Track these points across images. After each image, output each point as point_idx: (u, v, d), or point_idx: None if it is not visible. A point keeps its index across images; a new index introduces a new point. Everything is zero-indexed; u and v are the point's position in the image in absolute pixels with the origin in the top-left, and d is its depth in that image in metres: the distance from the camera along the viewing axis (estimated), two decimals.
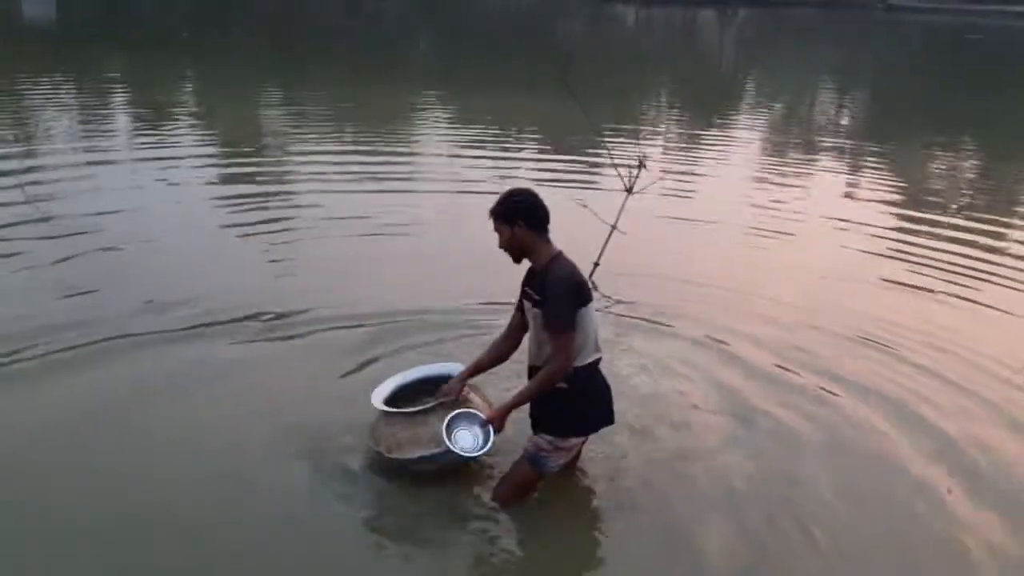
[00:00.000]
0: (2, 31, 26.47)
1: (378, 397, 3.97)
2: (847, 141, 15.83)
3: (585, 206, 7.12)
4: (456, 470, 3.98)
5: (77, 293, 6.02)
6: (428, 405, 3.86)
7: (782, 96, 22.93)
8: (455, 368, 4.07)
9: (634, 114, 16.35)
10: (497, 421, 3.65)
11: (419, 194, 9.50)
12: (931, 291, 7.11)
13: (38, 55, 21.18)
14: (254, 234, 7.64)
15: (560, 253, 3.56)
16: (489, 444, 3.65)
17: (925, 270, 7.61)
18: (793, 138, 16.03)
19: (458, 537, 3.71)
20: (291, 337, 5.55)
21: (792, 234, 8.65)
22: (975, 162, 14.71)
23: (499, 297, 5.63)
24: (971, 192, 11.95)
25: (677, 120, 17.77)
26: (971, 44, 42.76)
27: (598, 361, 3.61)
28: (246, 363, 5.17)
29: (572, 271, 3.50)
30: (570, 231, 7.13)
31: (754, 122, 17.79)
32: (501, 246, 3.58)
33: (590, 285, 6.21)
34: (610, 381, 4.90)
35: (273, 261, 7.00)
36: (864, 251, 8.13)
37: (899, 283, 7.29)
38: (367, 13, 44.59)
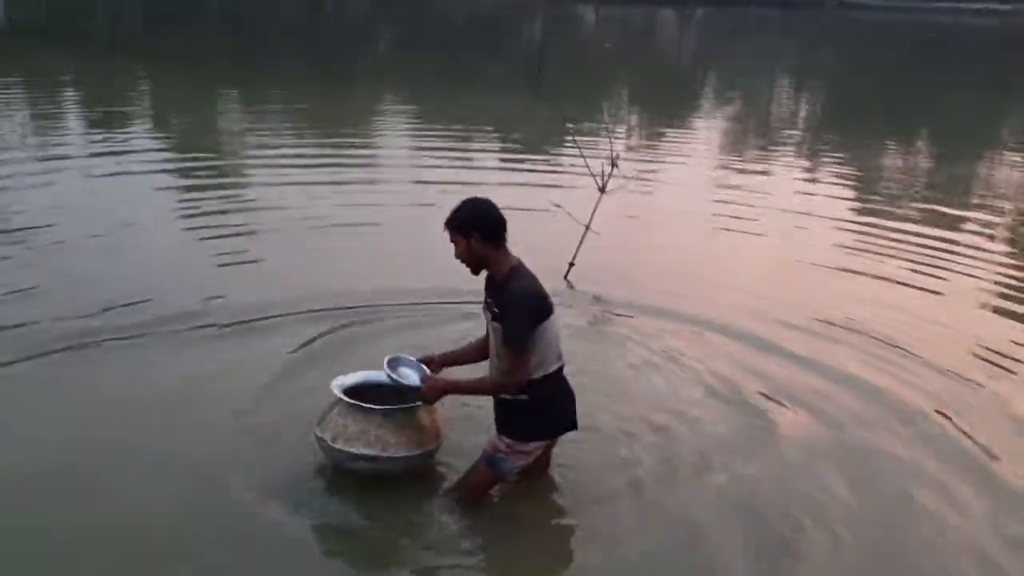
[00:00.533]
0: None
1: (338, 385, 3.86)
2: (806, 134, 16.05)
3: (559, 207, 7.05)
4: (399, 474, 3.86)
5: (21, 292, 5.83)
6: (387, 408, 3.75)
7: (741, 92, 23.17)
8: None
9: (602, 113, 16.39)
10: (431, 391, 3.61)
11: (381, 193, 9.40)
12: (896, 276, 7.27)
13: None
14: (209, 233, 7.50)
15: (519, 264, 3.49)
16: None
17: (890, 256, 7.81)
18: (754, 133, 16.22)
19: (418, 546, 3.61)
20: (243, 334, 5.44)
21: (757, 223, 8.81)
22: (929, 153, 14.99)
23: (464, 296, 5.56)
24: (927, 182, 12.18)
25: (643, 118, 17.83)
26: (925, 40, 43.55)
27: (560, 370, 3.59)
28: (196, 363, 5.03)
29: (531, 285, 3.43)
30: (544, 231, 7.30)
31: (716, 118, 17.96)
32: (457, 257, 3.50)
33: (567, 284, 6.34)
34: (596, 380, 4.95)
35: (228, 259, 6.85)
36: (843, 244, 8.26)
37: (862, 271, 7.42)
38: (327, 12, 44.23)
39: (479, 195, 3.56)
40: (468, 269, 3.53)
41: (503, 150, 12.55)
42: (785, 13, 60.70)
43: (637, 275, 6.79)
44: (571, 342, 5.52)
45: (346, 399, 3.77)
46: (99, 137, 11.91)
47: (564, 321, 5.72)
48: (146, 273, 6.40)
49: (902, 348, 5.72)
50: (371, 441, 3.68)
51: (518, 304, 3.37)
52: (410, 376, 3.75)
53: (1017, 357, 5.79)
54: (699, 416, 4.74)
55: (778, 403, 4.92)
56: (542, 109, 15.88)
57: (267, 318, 5.65)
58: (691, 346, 5.58)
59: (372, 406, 3.75)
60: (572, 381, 4.78)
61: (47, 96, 15.36)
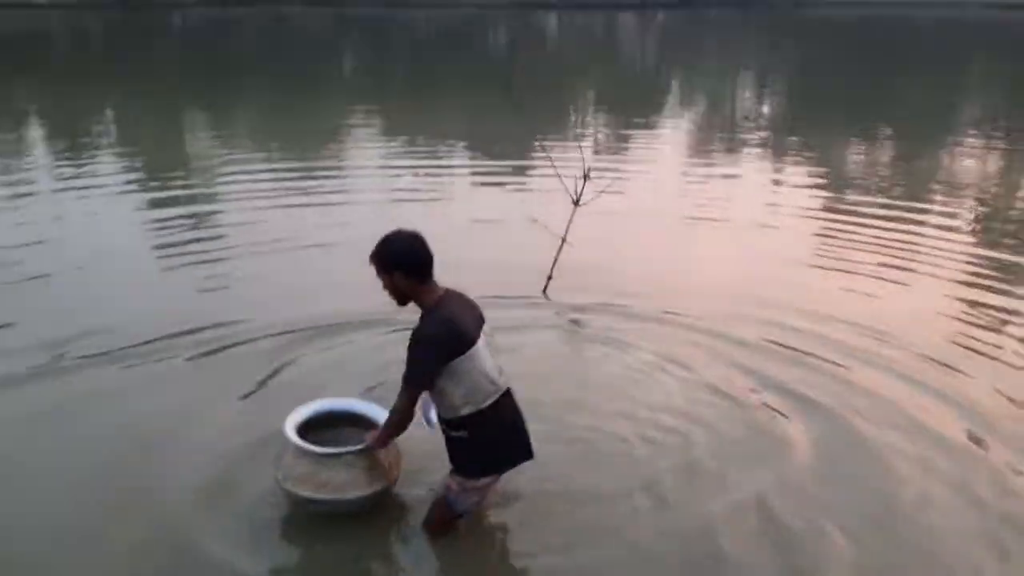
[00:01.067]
0: None
1: (292, 423, 3.81)
2: (770, 132, 16.28)
3: (535, 220, 7.07)
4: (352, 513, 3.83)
5: None
6: (336, 451, 3.71)
7: (705, 93, 23.40)
8: (376, 410, 3.94)
9: (570, 122, 16.51)
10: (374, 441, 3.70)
11: (352, 210, 9.32)
12: (868, 267, 7.44)
13: None
14: (180, 259, 7.48)
15: (444, 296, 3.42)
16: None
17: (861, 247, 8.00)
18: (720, 133, 16.42)
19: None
20: (205, 355, 5.46)
21: (730, 222, 8.97)
22: (888, 146, 15.27)
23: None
24: (888, 174, 12.41)
25: (611, 123, 17.95)
26: (878, 36, 44.23)
27: (499, 402, 3.46)
28: (147, 389, 5.03)
29: (442, 323, 3.32)
30: (519, 245, 7.36)
31: (683, 120, 18.14)
32: (385, 290, 3.45)
33: (545, 298, 6.37)
34: (584, 392, 5.03)
35: (198, 284, 6.85)
36: (817, 238, 8.47)
37: (838, 265, 7.59)
38: (291, 29, 44.10)
39: (404, 228, 3.46)
40: (395, 303, 3.48)
41: (475, 163, 12.58)
42: (743, 14, 61.49)
43: (616, 284, 6.83)
44: (552, 355, 5.71)
45: (297, 441, 3.71)
46: (65, 166, 11.82)
47: (544, 336, 5.95)
48: (115, 301, 6.41)
49: (880, 334, 5.89)
50: (322, 483, 3.65)
51: (414, 342, 3.31)
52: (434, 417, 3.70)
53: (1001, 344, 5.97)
54: (697, 421, 4.78)
55: (777, 401, 5.01)
56: (513, 120, 16.02)
57: (225, 337, 5.69)
58: (679, 350, 5.63)
59: (321, 450, 3.69)
60: (558, 395, 4.97)
61: (9, 126, 15.21)
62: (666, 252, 8.01)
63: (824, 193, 10.78)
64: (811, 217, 9.36)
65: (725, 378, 5.27)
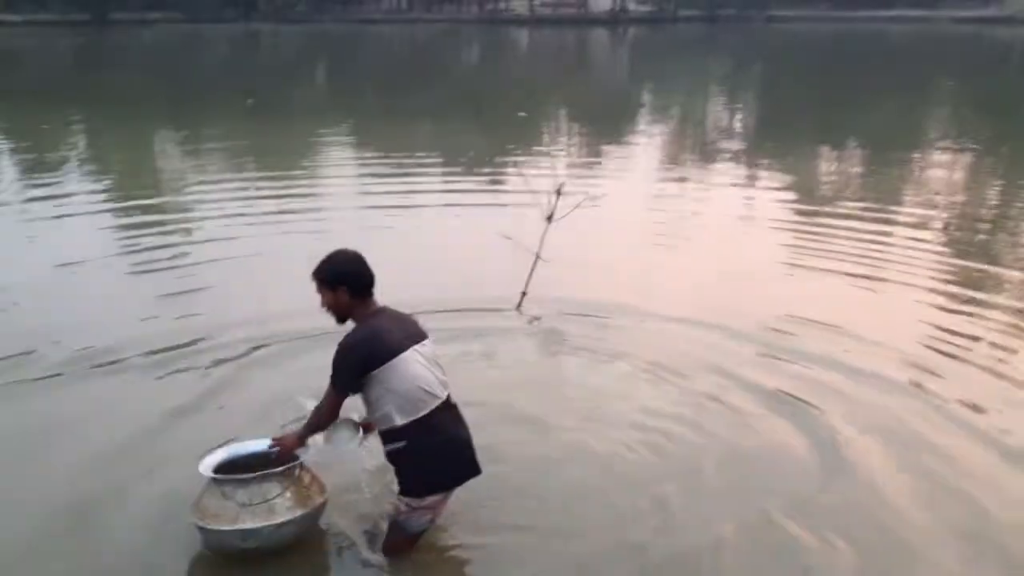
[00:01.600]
0: None
1: (207, 464, 3.66)
2: (741, 144, 16.44)
3: (509, 238, 7.06)
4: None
5: None
6: (243, 476, 3.59)
7: (677, 108, 23.60)
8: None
9: (542, 138, 16.56)
10: (284, 449, 3.67)
11: (323, 223, 9.33)
12: (842, 272, 7.60)
13: None
14: (145, 270, 7.62)
15: (374, 313, 3.51)
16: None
17: (833, 254, 8.15)
18: (692, 146, 16.56)
19: None
20: (163, 369, 5.49)
21: (702, 233, 9.13)
22: (858, 157, 15.46)
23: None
24: (858, 184, 12.61)
25: (584, 138, 18.05)
26: (849, 51, 44.91)
27: (436, 411, 3.47)
28: (106, 403, 5.04)
29: (363, 332, 3.45)
30: (493, 262, 7.38)
31: (655, 134, 18.27)
32: (323, 307, 3.56)
33: (520, 314, 6.38)
34: (558, 408, 5.03)
35: (162, 295, 6.91)
36: (791, 245, 8.63)
37: (812, 269, 7.74)
38: (262, 47, 44.01)
39: (348, 247, 3.59)
40: (334, 320, 3.57)
41: (448, 180, 12.58)
42: (713, 28, 62.19)
43: (592, 296, 6.86)
44: (529, 371, 5.71)
45: (209, 474, 3.58)
46: (35, 183, 11.75)
47: (520, 354, 5.94)
48: (77, 313, 6.46)
49: (858, 335, 6.04)
50: (238, 515, 3.51)
51: (337, 349, 3.47)
52: (341, 442, 3.66)
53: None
54: (692, 427, 4.83)
55: (765, 404, 5.09)
56: (485, 136, 16.06)
57: (194, 353, 5.71)
58: (664, 358, 5.67)
59: (222, 476, 3.58)
60: (541, 408, 4.99)
61: None
62: (640, 264, 8.04)
63: (795, 203, 10.92)
64: (783, 226, 9.50)
65: (713, 384, 5.33)
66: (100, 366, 5.51)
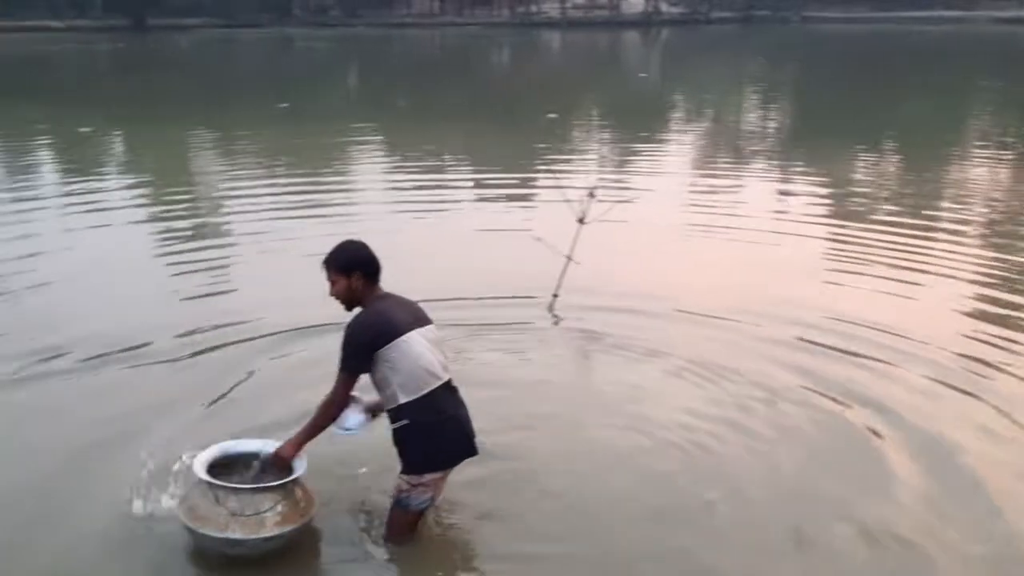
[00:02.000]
0: None
1: (201, 462, 3.64)
2: (776, 145, 16.24)
3: (539, 239, 7.00)
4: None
5: None
6: (237, 486, 3.58)
7: (709, 107, 23.43)
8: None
9: (575, 139, 16.50)
10: (287, 452, 3.67)
11: (354, 224, 9.24)
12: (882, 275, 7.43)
13: None
14: (179, 267, 7.73)
15: (380, 298, 3.66)
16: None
17: (868, 257, 7.99)
18: (726, 147, 16.37)
19: None
20: (194, 364, 5.57)
21: (736, 235, 8.89)
22: (896, 158, 15.19)
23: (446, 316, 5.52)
24: (897, 185, 12.36)
25: (615, 139, 17.96)
26: (885, 50, 44.30)
27: (438, 391, 3.59)
28: (113, 395, 5.14)
29: (369, 314, 3.60)
30: (525, 263, 7.34)
31: (689, 135, 18.13)
32: (333, 295, 3.67)
33: (552, 316, 6.33)
34: (593, 408, 4.98)
35: (194, 291, 7.05)
36: (827, 247, 8.49)
37: (851, 272, 7.59)
38: (297, 50, 44.42)
39: (355, 237, 3.76)
40: (343, 307, 3.68)
41: (479, 181, 12.56)
42: (747, 29, 61.68)
43: (625, 296, 6.77)
44: (562, 371, 5.68)
45: (205, 477, 3.54)
46: (73, 181, 12.03)
47: (552, 354, 5.91)
48: (109, 307, 6.62)
49: (903, 336, 5.94)
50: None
51: (345, 331, 3.58)
52: (350, 421, 3.69)
53: None
54: (729, 430, 4.74)
55: (827, 402, 5.02)
56: (517, 137, 16.05)
57: (221, 346, 5.80)
58: (708, 356, 5.61)
59: (229, 485, 3.55)
60: (567, 410, 4.94)
61: (21, 146, 15.38)
62: (675, 263, 7.98)
63: (833, 203, 10.77)
64: (821, 226, 9.39)
65: (754, 384, 5.25)
66: (126, 356, 5.63)
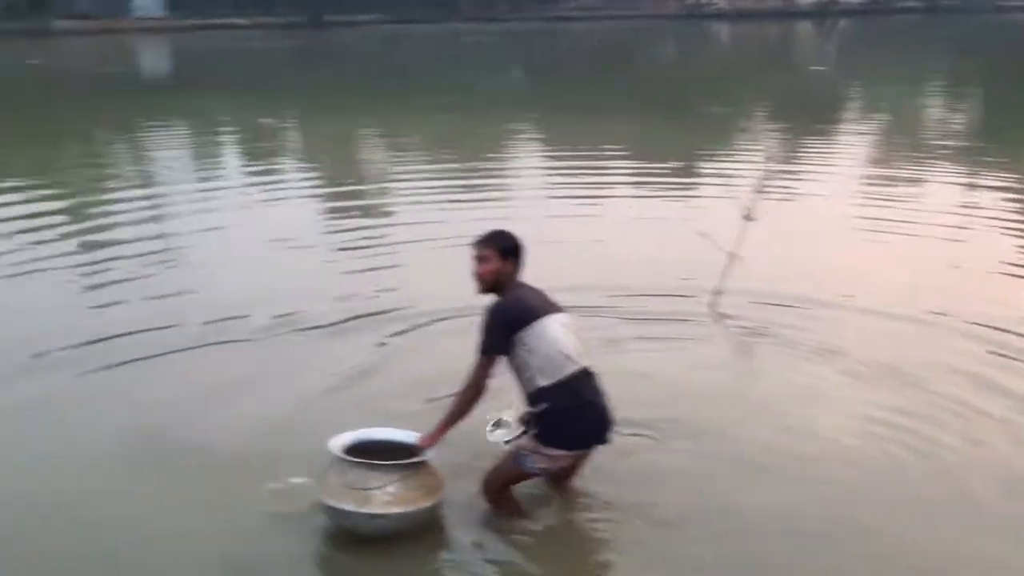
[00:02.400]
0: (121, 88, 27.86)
1: (346, 438, 3.74)
2: (960, 142, 14.99)
3: (704, 235, 6.71)
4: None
5: (161, 298, 6.62)
6: (353, 459, 3.64)
7: (886, 101, 21.96)
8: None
9: (743, 133, 15.91)
10: (425, 442, 3.74)
11: (511, 210, 9.39)
12: None
13: (162, 104, 22.34)
14: (346, 248, 8.09)
15: (518, 286, 3.78)
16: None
17: None
18: (903, 142, 15.27)
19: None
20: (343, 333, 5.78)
21: (910, 235, 8.26)
22: None
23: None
24: None
25: (785, 134, 17.16)
26: None
27: (576, 376, 3.63)
28: (285, 369, 5.32)
29: (508, 298, 3.71)
30: (685, 257, 7.12)
31: (862, 130, 17.10)
32: (480, 274, 3.75)
33: (711, 313, 6.06)
34: (755, 408, 4.72)
35: (357, 270, 7.34)
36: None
37: None
38: (465, 44, 45.39)
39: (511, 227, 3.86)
40: (480, 286, 3.76)
41: (641, 175, 12.26)
42: (933, 19, 57.70)
43: (794, 293, 6.40)
44: (720, 368, 5.42)
45: (339, 454, 3.64)
46: (252, 168, 12.85)
47: (714, 348, 5.69)
48: (281, 283, 6.91)
49: None
50: (364, 498, 3.56)
51: (486, 314, 3.70)
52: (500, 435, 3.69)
53: None
54: (922, 440, 4.35)
55: (1009, 411, 4.59)
56: (683, 131, 15.66)
57: (381, 324, 5.96)
58: (878, 360, 5.22)
59: (363, 461, 3.62)
60: (725, 410, 4.68)
61: (205, 134, 16.58)
62: (846, 260, 7.41)
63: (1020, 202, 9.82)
64: (1006, 226, 8.63)
65: (943, 386, 4.83)
66: (293, 331, 5.88)
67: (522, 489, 3.84)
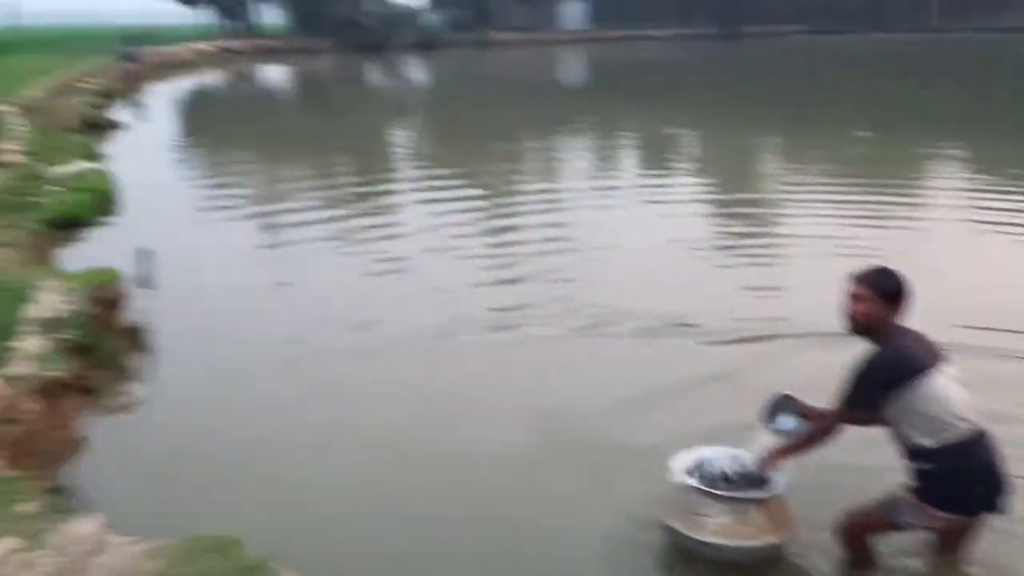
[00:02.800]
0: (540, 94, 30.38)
1: (681, 467, 3.66)
2: None
3: None
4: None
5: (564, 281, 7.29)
6: (689, 484, 3.58)
7: None
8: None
9: None
10: (764, 466, 3.60)
11: (916, 230, 9.06)
12: None
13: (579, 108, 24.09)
14: (734, 259, 8.20)
15: (900, 333, 3.37)
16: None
17: None
18: None
19: None
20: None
21: None
22: None
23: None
24: None
25: None
26: None
27: (969, 438, 3.24)
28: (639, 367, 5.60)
29: (890, 349, 3.33)
30: None
31: None
32: (852, 313, 3.40)
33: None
34: None
35: (741, 281, 7.39)
36: None
37: None
38: (887, 57, 42.27)
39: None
40: (851, 326, 3.42)
41: None
42: None
43: None
44: None
45: (686, 479, 3.60)
46: (648, 173, 13.47)
47: None
48: (672, 282, 7.28)
49: None
50: (703, 525, 3.52)
51: (860, 364, 3.36)
52: (786, 424, 3.60)
53: None
54: None
55: None
56: None
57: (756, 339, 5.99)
58: None
59: (713, 490, 3.55)
60: None
61: (607, 136, 17.60)
62: None
63: None
64: None
65: None
66: (666, 330, 6.13)
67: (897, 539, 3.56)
